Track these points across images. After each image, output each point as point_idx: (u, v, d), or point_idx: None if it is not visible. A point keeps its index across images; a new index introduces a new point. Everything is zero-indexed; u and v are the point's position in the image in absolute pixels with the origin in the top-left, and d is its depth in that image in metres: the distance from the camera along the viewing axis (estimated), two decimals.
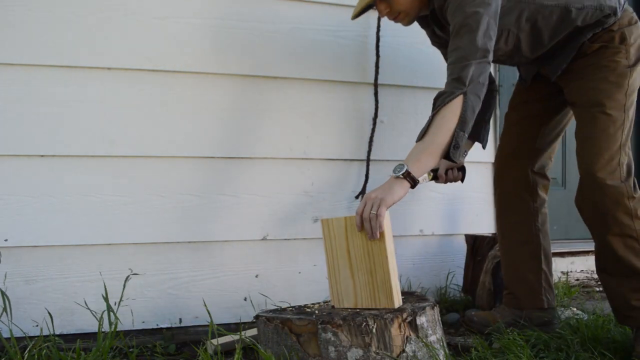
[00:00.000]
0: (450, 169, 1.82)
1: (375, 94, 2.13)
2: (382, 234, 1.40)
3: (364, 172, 2.13)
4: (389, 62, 2.15)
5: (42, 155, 1.78)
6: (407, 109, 2.20)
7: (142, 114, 1.87)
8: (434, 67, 2.21)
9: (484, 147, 1.90)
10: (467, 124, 1.48)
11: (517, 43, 1.65)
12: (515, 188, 1.84)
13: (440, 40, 1.83)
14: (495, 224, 1.94)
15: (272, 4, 2.01)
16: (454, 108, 1.46)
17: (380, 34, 2.12)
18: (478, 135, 1.85)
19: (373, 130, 2.13)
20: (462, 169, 1.85)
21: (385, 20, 2.11)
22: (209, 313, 1.56)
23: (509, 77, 2.41)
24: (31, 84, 1.77)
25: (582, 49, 1.63)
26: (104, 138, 1.84)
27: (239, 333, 1.67)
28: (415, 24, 1.79)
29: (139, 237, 1.87)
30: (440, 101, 1.49)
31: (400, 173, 1.43)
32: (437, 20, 1.70)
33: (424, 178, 1.65)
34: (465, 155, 1.76)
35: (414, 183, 1.45)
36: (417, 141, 1.51)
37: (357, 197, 2.12)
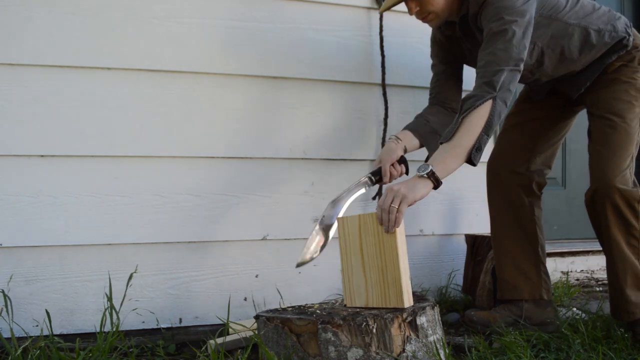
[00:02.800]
0: (392, 164, 1.74)
1: (384, 94, 2.14)
2: (394, 232, 1.40)
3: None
4: (390, 62, 2.15)
5: (42, 155, 1.78)
6: (408, 109, 2.20)
7: (142, 114, 1.87)
8: None
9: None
10: (492, 128, 1.51)
11: (541, 58, 1.70)
12: (511, 181, 1.87)
13: (451, 49, 1.85)
14: (490, 218, 1.94)
15: (272, 3, 2.01)
16: (483, 112, 1.49)
17: (383, 34, 2.12)
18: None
19: (385, 130, 2.13)
20: (403, 161, 1.77)
21: (387, 20, 2.13)
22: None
23: None
24: (31, 84, 1.77)
25: (604, 68, 1.71)
26: (104, 138, 1.83)
27: (241, 332, 1.68)
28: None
29: (139, 237, 1.87)
30: (469, 104, 1.51)
31: (425, 172, 1.45)
32: (465, 27, 1.72)
33: (365, 184, 1.68)
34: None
35: (437, 183, 1.46)
36: (441, 142, 1.54)
37: (374, 199, 2.12)
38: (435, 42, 1.92)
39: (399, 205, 1.39)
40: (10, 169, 1.75)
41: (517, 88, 1.98)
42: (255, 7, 2.00)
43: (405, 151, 1.78)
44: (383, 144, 2.13)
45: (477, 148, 1.50)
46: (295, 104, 2.05)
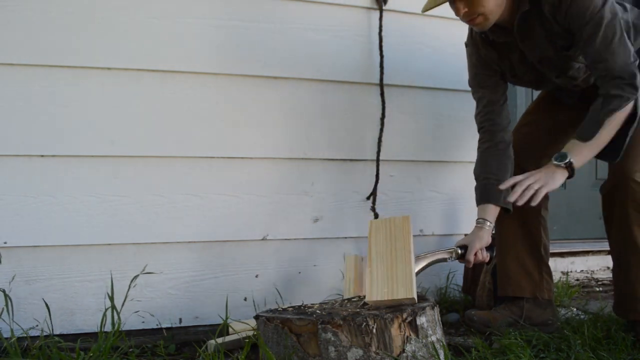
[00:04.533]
0: (480, 249, 1.72)
1: (382, 94, 2.13)
2: (407, 233, 1.53)
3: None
4: (390, 62, 2.15)
5: (42, 155, 1.78)
6: (407, 109, 2.20)
7: (142, 113, 1.87)
8: (434, 67, 2.22)
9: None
10: (633, 126, 1.55)
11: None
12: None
13: (492, 64, 1.77)
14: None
15: (272, 3, 2.01)
16: (627, 112, 1.53)
17: (382, 34, 2.12)
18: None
19: (381, 130, 2.13)
20: (490, 249, 1.77)
21: (386, 21, 2.13)
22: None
23: None
24: (31, 84, 1.77)
25: None
26: (104, 138, 1.84)
27: (240, 332, 1.68)
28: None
29: (139, 237, 1.87)
30: (615, 104, 1.51)
31: (563, 162, 1.53)
32: (523, 27, 1.64)
33: (450, 254, 1.71)
34: None
35: (572, 173, 1.54)
36: (581, 139, 1.55)
37: (368, 199, 2.12)
38: (474, 65, 1.82)
39: (539, 189, 1.50)
40: (10, 169, 1.75)
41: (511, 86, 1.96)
42: (256, 7, 2.00)
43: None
44: (379, 144, 2.13)
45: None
46: (295, 104, 2.05)
